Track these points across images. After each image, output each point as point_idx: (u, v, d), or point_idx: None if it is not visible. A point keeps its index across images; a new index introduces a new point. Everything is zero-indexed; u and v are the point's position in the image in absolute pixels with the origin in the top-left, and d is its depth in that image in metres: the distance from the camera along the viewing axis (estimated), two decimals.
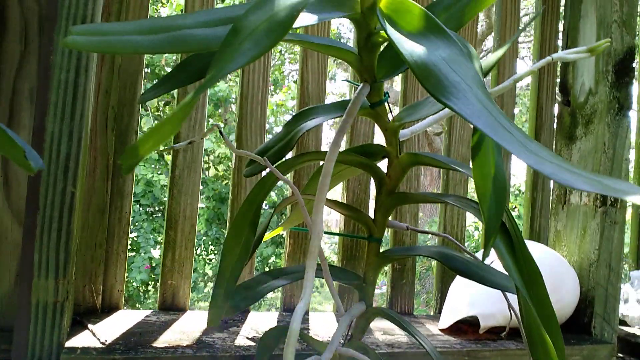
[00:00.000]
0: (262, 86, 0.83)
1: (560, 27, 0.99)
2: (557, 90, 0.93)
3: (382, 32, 0.49)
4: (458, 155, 0.96)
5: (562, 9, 1.01)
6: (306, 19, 0.45)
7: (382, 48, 0.52)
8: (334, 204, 0.59)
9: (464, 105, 0.39)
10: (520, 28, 0.54)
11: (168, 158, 4.16)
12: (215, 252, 4.78)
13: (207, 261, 4.88)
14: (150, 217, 4.55)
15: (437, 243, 0.96)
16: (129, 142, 0.76)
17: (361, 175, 0.87)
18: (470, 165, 0.55)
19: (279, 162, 0.59)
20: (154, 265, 4.46)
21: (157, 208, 4.66)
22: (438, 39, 0.44)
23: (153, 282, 4.44)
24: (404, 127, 0.59)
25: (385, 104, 0.56)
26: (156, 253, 4.33)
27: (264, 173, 0.61)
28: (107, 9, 0.75)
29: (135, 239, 4.27)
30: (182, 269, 0.79)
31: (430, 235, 4.72)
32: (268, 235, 0.67)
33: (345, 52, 0.52)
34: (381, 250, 0.58)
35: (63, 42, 0.42)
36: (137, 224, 4.28)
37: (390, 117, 0.57)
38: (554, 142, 0.98)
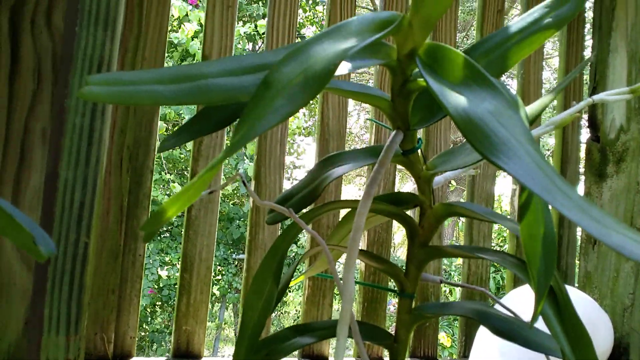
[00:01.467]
0: (281, 125, 0.80)
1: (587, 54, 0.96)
2: (586, 125, 0.90)
3: (419, 79, 0.46)
4: (482, 191, 0.92)
5: (586, 36, 0.98)
6: (341, 68, 0.42)
7: (416, 94, 0.49)
8: (362, 254, 0.55)
9: (516, 164, 0.36)
10: (567, 77, 0.51)
11: (173, 186, 4.15)
12: (223, 272, 4.73)
13: (215, 282, 4.83)
14: (158, 237, 4.52)
15: (463, 269, 0.92)
16: (144, 182, 0.73)
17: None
18: (501, 211, 0.51)
19: (303, 211, 0.55)
20: (161, 286, 4.41)
21: (164, 228, 4.63)
22: (482, 89, 0.41)
23: (161, 309, 4.40)
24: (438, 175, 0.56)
25: (419, 150, 0.52)
26: (163, 273, 4.29)
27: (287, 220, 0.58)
28: (123, 45, 0.72)
29: None
30: (198, 313, 0.75)
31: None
32: (291, 283, 0.64)
33: (378, 98, 0.49)
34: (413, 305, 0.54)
35: (80, 94, 0.39)
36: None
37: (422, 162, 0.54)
38: (583, 178, 0.95)
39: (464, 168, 0.56)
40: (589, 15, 0.97)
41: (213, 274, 4.75)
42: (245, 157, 4.41)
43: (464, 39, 7.05)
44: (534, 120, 0.47)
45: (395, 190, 0.84)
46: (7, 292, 0.58)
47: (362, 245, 0.86)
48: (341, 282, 0.47)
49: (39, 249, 0.26)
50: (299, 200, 0.57)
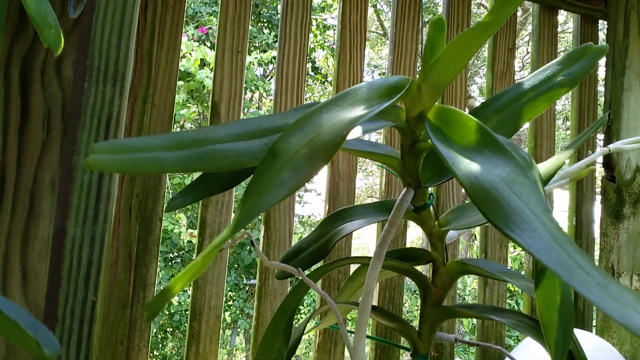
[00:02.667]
0: None
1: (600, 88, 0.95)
2: (600, 165, 0.89)
3: (429, 139, 0.45)
4: (495, 240, 0.91)
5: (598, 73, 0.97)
6: (351, 133, 0.42)
7: (426, 152, 0.48)
8: (373, 312, 0.54)
9: (531, 238, 0.35)
10: (580, 135, 0.50)
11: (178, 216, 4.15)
12: (234, 298, 4.71)
13: (226, 307, 4.80)
14: (169, 264, 4.52)
15: (477, 335, 0.90)
16: (153, 229, 0.73)
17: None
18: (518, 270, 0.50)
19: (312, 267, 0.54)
20: (172, 312, 4.39)
21: (175, 254, 4.62)
22: (494, 154, 0.40)
23: (172, 335, 4.37)
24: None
25: (431, 207, 0.51)
26: (174, 299, 4.27)
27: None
28: (133, 93, 0.72)
29: None
30: None
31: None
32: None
33: (388, 157, 0.48)
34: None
35: (85, 163, 0.38)
36: None
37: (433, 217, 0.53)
38: (600, 217, 0.93)
39: (477, 223, 0.55)
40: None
41: (224, 299, 4.74)
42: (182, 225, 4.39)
43: (475, 60, 7.05)
44: (548, 180, 0.46)
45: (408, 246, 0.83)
46: (13, 351, 0.57)
47: (374, 299, 0.85)
48: (351, 345, 0.46)
49: (44, 352, 0.26)
50: (308, 255, 0.56)
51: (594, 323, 0.93)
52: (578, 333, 0.81)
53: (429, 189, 0.51)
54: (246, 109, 4.92)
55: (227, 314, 4.77)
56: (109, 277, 0.70)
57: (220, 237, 0.34)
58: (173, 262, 4.58)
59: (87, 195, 0.54)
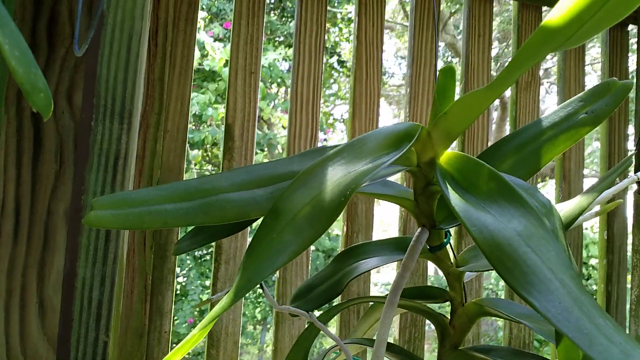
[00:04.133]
0: None
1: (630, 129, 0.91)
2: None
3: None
4: None
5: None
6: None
7: (440, 194, 0.46)
8: (390, 352, 0.52)
9: (548, 302, 0.32)
10: (608, 173, 0.47)
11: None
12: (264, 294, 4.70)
13: (256, 304, 4.82)
14: (199, 261, 4.56)
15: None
16: (169, 257, 0.72)
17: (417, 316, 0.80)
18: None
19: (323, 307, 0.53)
20: (202, 309, 4.43)
21: (205, 251, 4.67)
22: (510, 204, 0.37)
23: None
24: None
25: (448, 246, 0.49)
26: (205, 297, 4.31)
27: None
28: (145, 121, 0.72)
29: (183, 284, 4.27)
30: None
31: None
32: None
33: (401, 199, 0.46)
34: None
35: (86, 221, 0.38)
36: (185, 269, 4.29)
37: (451, 256, 0.50)
38: (632, 235, 0.89)
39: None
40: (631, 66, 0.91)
41: (255, 294, 4.74)
42: None
43: (505, 48, 6.89)
44: (570, 225, 0.43)
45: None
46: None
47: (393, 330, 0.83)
48: None
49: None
50: (321, 293, 0.54)
51: None
52: None
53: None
54: (273, 101, 4.89)
55: (257, 310, 4.79)
56: (125, 307, 0.70)
57: (219, 307, 0.33)
58: (202, 259, 4.62)
59: (97, 236, 0.54)
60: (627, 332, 0.87)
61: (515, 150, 0.44)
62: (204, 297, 4.34)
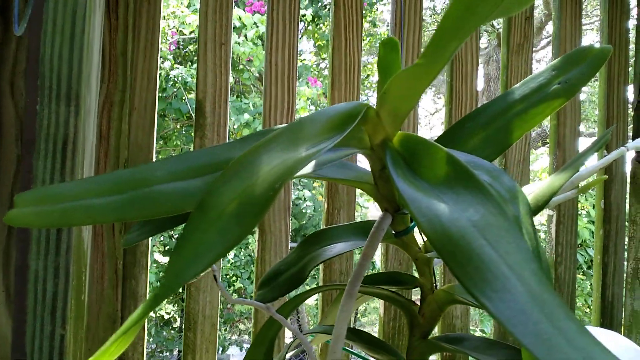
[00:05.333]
0: None
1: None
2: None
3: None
4: None
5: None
6: (307, 166, 0.36)
7: None
8: (356, 339, 0.50)
9: (502, 302, 0.29)
10: (581, 153, 0.43)
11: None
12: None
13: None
14: None
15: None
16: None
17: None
18: None
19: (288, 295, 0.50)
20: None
21: None
22: (467, 191, 0.33)
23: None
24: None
25: (415, 230, 0.46)
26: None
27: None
28: (108, 100, 0.68)
29: None
30: None
31: None
32: None
33: (360, 183, 0.42)
34: None
35: (6, 219, 0.35)
36: None
37: (420, 241, 0.47)
38: (629, 204, 0.85)
39: None
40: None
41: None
42: None
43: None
44: (542, 208, 0.39)
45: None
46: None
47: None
48: None
49: None
50: (286, 280, 0.51)
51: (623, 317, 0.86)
52: (604, 334, 0.74)
53: None
54: None
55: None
56: (96, 293, 0.68)
57: (136, 314, 0.30)
58: None
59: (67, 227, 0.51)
60: (623, 306, 0.84)
61: (481, 127, 0.40)
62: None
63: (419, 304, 0.48)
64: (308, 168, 0.36)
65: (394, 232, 0.46)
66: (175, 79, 3.19)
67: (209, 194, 0.32)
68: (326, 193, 0.78)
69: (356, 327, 0.57)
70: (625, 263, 0.84)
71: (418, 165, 0.35)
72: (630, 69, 0.86)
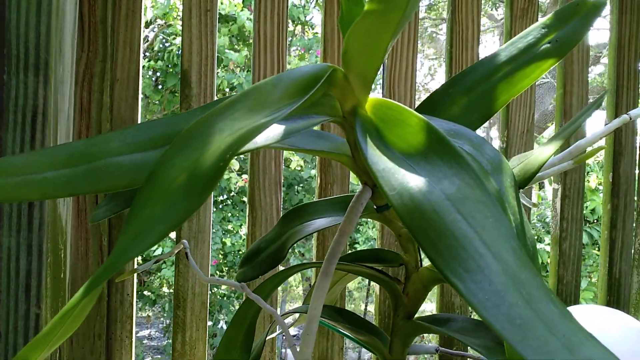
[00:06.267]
0: None
1: None
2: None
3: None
4: None
5: None
6: (271, 135, 0.33)
7: None
8: (339, 318, 0.47)
9: (475, 283, 0.27)
10: (577, 115, 0.40)
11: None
12: None
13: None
14: (220, 207, 4.58)
15: None
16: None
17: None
18: None
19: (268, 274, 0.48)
20: (226, 252, 4.48)
21: (225, 196, 4.67)
22: (443, 161, 0.31)
23: (227, 275, 4.47)
24: None
25: None
26: (228, 240, 4.34)
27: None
28: (88, 71, 0.65)
29: None
30: (194, 351, 0.70)
31: None
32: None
33: (336, 155, 0.39)
34: None
35: None
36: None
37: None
38: (638, 175, 0.81)
39: None
40: None
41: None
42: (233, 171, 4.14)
43: None
44: (529, 180, 0.36)
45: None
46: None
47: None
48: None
49: None
50: (266, 258, 0.49)
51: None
52: (606, 312, 0.71)
53: None
54: (290, 38, 4.75)
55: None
56: (81, 270, 0.66)
57: (74, 298, 0.27)
58: (224, 204, 4.63)
59: (19, 202, 0.49)
60: (630, 283, 0.80)
61: (465, 92, 0.37)
62: (227, 242, 4.37)
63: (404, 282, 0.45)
64: (273, 137, 0.33)
65: (375, 207, 0.43)
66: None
67: (158, 166, 0.30)
68: (319, 167, 0.75)
69: (343, 307, 0.54)
70: (634, 239, 0.81)
71: (390, 134, 0.32)
72: None
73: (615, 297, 0.82)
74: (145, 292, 4.23)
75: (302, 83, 0.31)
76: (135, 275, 0.70)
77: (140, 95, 0.69)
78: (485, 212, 0.29)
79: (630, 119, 0.47)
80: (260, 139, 0.33)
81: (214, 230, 4.26)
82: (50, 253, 0.51)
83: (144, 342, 4.92)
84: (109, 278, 0.27)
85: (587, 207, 3.17)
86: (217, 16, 0.70)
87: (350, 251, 0.68)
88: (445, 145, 0.31)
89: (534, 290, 0.27)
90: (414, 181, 0.29)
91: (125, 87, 0.67)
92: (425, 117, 0.36)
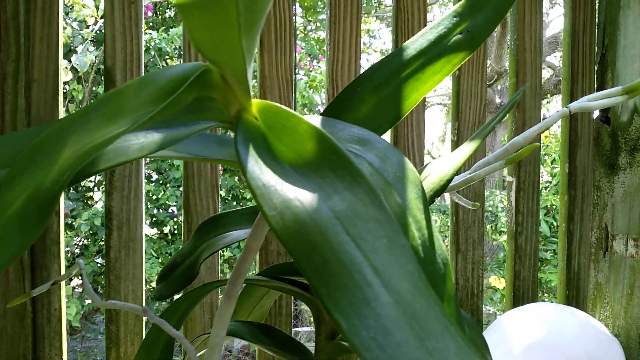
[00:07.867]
0: None
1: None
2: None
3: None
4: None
5: None
6: (146, 144, 0.29)
7: None
8: (260, 338, 0.43)
9: (359, 319, 0.23)
10: (494, 117, 0.36)
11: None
12: None
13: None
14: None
15: None
16: (50, 226, 0.63)
17: None
18: None
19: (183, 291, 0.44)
20: None
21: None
22: (336, 174, 0.27)
23: None
24: None
25: None
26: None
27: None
28: (1, 71, 0.60)
29: None
30: None
31: None
32: None
33: (233, 163, 0.35)
34: None
35: None
36: None
37: None
38: (594, 169, 0.78)
39: None
40: None
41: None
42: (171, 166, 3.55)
43: None
44: (442, 190, 0.32)
45: None
46: None
47: None
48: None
49: None
50: (180, 274, 0.45)
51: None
52: (561, 310, 0.69)
53: None
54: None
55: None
56: (2, 287, 0.62)
57: None
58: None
59: None
60: (589, 280, 0.78)
61: (373, 91, 0.33)
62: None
63: None
64: (149, 147, 0.29)
65: None
66: (148, 45, 3.04)
67: (2, 188, 0.25)
68: None
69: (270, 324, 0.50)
70: (591, 227, 0.78)
71: (279, 143, 0.28)
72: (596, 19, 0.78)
73: (574, 292, 0.80)
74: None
75: (170, 85, 0.27)
76: (63, 287, 0.65)
77: (61, 97, 0.64)
78: (378, 231, 0.25)
79: (570, 112, 0.44)
80: (133, 150, 0.29)
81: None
82: None
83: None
84: None
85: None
86: (143, 8, 0.65)
87: (278, 263, 0.64)
88: (338, 156, 0.27)
89: (430, 323, 0.23)
90: (299, 198, 0.25)
91: (43, 87, 0.62)
92: (328, 121, 0.32)
